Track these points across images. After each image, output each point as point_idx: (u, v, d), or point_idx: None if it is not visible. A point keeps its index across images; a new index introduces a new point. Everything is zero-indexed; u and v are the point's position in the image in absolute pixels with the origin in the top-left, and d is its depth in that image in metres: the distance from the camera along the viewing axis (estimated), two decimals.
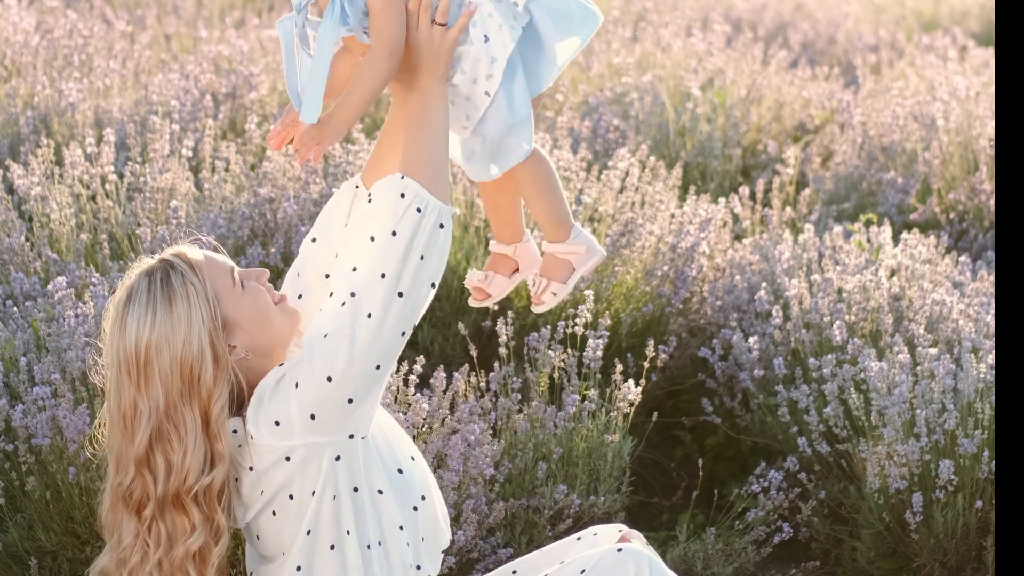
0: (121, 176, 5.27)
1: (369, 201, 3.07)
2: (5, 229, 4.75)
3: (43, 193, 4.85)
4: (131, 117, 5.80)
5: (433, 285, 3.06)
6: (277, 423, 3.05)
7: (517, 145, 3.17)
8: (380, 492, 3.13)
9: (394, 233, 3.02)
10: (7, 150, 5.64)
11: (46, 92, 5.87)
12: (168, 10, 8.46)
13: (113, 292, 3.18)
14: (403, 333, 3.06)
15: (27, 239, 4.80)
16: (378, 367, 3.05)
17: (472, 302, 3.39)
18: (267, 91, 6.26)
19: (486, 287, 3.36)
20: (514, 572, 3.41)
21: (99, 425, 3.23)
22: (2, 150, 5.63)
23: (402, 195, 3.03)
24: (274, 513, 3.14)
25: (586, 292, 4.53)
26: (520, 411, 4.39)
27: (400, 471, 3.18)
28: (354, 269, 3.06)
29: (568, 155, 5.39)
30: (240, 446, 3.10)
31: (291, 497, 3.11)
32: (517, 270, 3.36)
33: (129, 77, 6.41)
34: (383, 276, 3.02)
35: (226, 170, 5.24)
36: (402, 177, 3.05)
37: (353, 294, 3.03)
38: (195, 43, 7.58)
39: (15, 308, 4.28)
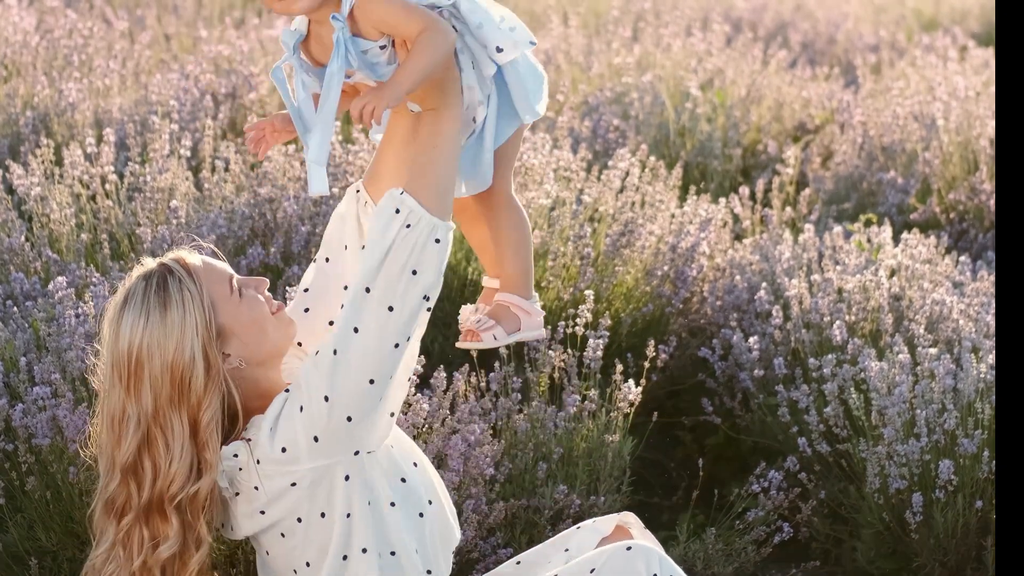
0: (121, 176, 5.27)
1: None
2: (5, 229, 4.75)
3: (43, 193, 4.85)
4: (131, 117, 5.80)
5: (427, 298, 3.05)
6: (284, 449, 3.05)
7: (486, 174, 3.20)
8: (392, 504, 3.13)
9: (386, 249, 3.02)
10: (7, 150, 5.64)
11: (46, 92, 5.87)
12: (168, 10, 8.46)
13: (113, 292, 3.19)
14: (396, 346, 3.04)
15: (27, 239, 4.80)
16: (372, 382, 3.04)
17: (460, 343, 3.37)
18: (267, 91, 6.26)
19: (478, 328, 3.35)
20: (518, 563, 3.41)
21: (92, 424, 3.22)
22: (2, 150, 5.63)
23: (397, 210, 3.04)
24: (283, 535, 3.13)
25: (586, 292, 4.53)
26: (520, 411, 4.39)
27: (403, 480, 3.17)
28: (346, 287, 3.05)
29: (568, 155, 5.39)
30: (241, 469, 3.09)
31: (299, 520, 3.10)
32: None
33: (129, 77, 6.41)
34: (368, 291, 3.02)
35: (226, 170, 5.24)
36: (401, 192, 3.05)
37: (344, 311, 3.03)
38: (195, 43, 7.58)
39: (15, 308, 4.28)
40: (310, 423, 3.03)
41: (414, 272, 3.02)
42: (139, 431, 3.07)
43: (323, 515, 3.09)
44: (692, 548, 4.43)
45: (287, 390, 3.11)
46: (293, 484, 3.07)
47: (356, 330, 3.01)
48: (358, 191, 3.30)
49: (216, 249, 3.25)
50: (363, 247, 3.06)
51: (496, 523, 4.20)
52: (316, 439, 3.04)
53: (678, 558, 4.42)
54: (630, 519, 3.43)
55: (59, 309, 4.16)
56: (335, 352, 3.02)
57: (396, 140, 3.22)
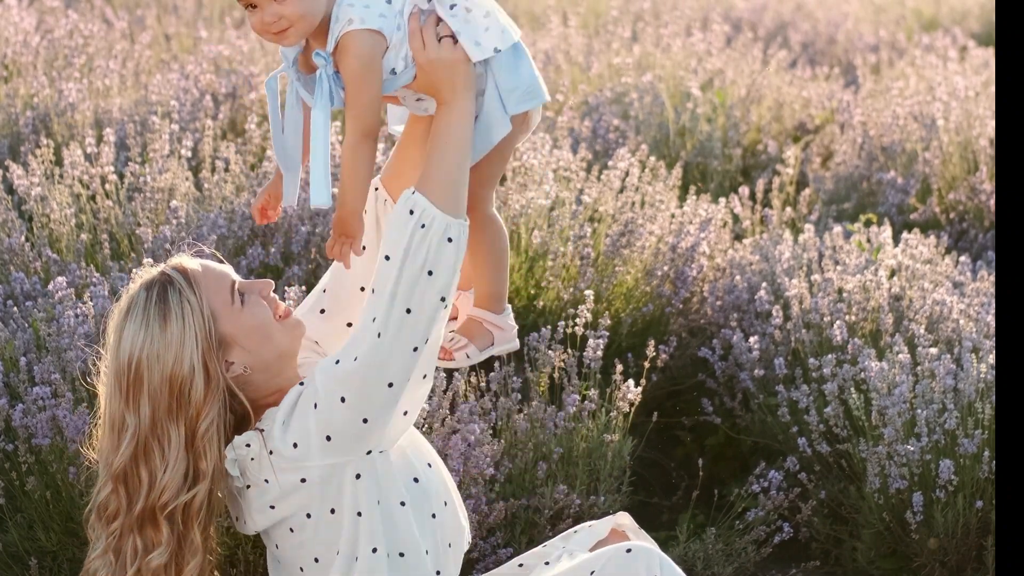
0: (121, 176, 5.27)
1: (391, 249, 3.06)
2: (5, 229, 4.75)
3: (43, 193, 4.85)
4: (131, 117, 5.80)
5: (443, 299, 3.04)
6: (295, 444, 3.04)
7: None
8: (402, 504, 3.13)
9: (403, 251, 3.01)
10: (7, 150, 5.64)
11: (46, 92, 5.87)
12: (168, 10, 8.46)
13: (113, 292, 3.18)
14: (415, 349, 3.04)
15: (27, 239, 4.80)
16: (391, 385, 3.04)
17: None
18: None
19: (450, 347, 3.33)
20: (520, 565, 3.41)
21: (95, 425, 3.23)
22: (2, 150, 5.63)
23: (411, 211, 3.02)
24: (291, 530, 3.13)
25: (586, 292, 4.53)
26: (520, 411, 4.39)
27: (416, 480, 3.17)
28: (362, 289, 3.07)
29: (568, 155, 5.39)
30: (252, 459, 3.09)
31: (308, 516, 3.10)
32: (455, 318, 3.35)
33: (129, 77, 6.41)
34: (391, 294, 3.01)
35: (226, 170, 5.24)
36: (413, 192, 3.04)
37: (365, 315, 3.03)
38: (195, 43, 7.58)
39: (15, 308, 4.28)
40: (324, 422, 3.03)
41: (430, 273, 3.02)
42: (134, 441, 3.08)
43: (333, 511, 3.09)
44: (692, 548, 4.43)
45: (302, 383, 3.11)
46: (303, 480, 3.07)
47: (379, 335, 3.01)
48: (376, 188, 3.28)
49: (216, 252, 3.24)
50: (386, 257, 3.03)
51: (496, 523, 4.20)
52: (329, 438, 3.03)
53: (678, 558, 4.42)
54: (625, 521, 3.42)
55: (59, 309, 4.16)
56: (355, 359, 3.02)
57: (417, 136, 3.21)
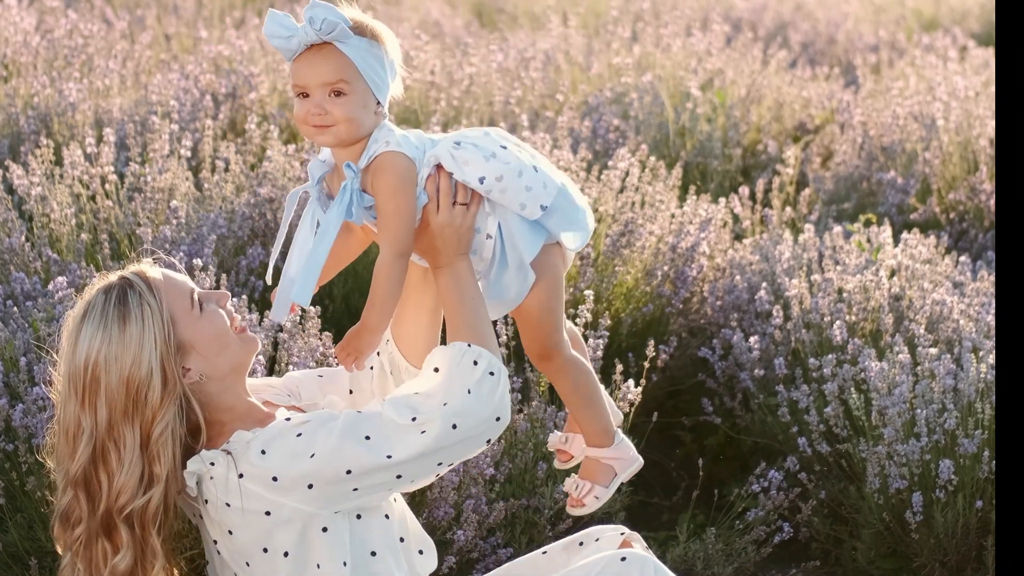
0: (121, 176, 5.27)
1: (436, 370, 3.10)
2: (5, 229, 4.75)
3: (43, 193, 4.85)
4: (131, 117, 5.80)
5: (489, 441, 3.12)
6: (275, 479, 3.04)
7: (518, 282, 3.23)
8: (373, 553, 3.14)
9: (469, 391, 3.06)
10: (7, 150, 5.64)
11: (46, 92, 5.87)
12: (168, 10, 8.46)
13: None
14: (439, 464, 3.10)
15: (27, 239, 4.80)
16: (399, 477, 3.08)
17: (557, 464, 3.47)
18: (267, 91, 6.26)
19: (568, 448, 3.43)
20: None
21: (50, 436, 3.22)
22: (2, 150, 5.63)
23: (475, 362, 3.09)
24: (248, 564, 3.12)
25: (586, 292, 4.53)
26: (520, 411, 4.39)
27: (387, 516, 3.18)
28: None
29: (568, 155, 5.39)
30: (212, 478, 3.08)
31: (265, 551, 3.09)
32: (571, 457, 3.43)
33: (129, 77, 6.41)
34: (455, 427, 3.05)
35: (226, 170, 5.24)
36: (469, 345, 3.10)
37: (414, 419, 3.05)
38: (195, 43, 7.58)
39: (15, 308, 4.28)
40: (316, 473, 3.03)
41: (497, 419, 3.10)
42: (90, 444, 3.07)
43: (286, 555, 3.09)
44: (692, 548, 4.43)
45: (288, 418, 3.11)
46: (268, 513, 3.06)
47: (427, 450, 3.05)
48: (388, 340, 3.34)
49: (176, 262, 3.25)
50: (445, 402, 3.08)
51: (496, 523, 4.20)
52: (311, 486, 3.04)
53: (678, 558, 4.42)
54: (633, 536, 3.41)
55: (59, 309, 4.16)
56: (389, 456, 3.04)
57: (413, 281, 3.27)
